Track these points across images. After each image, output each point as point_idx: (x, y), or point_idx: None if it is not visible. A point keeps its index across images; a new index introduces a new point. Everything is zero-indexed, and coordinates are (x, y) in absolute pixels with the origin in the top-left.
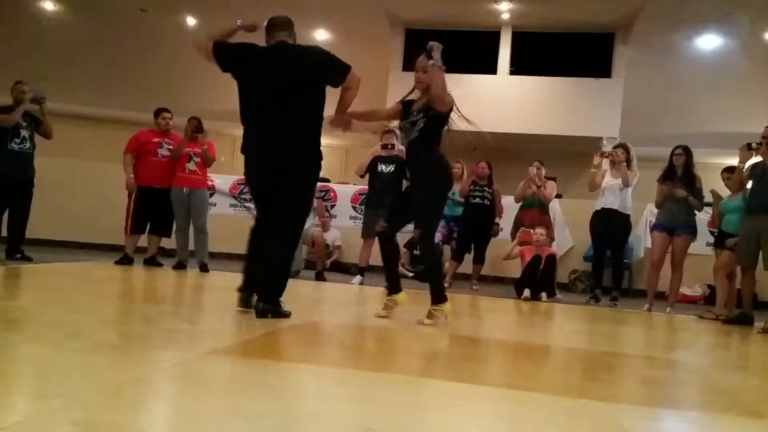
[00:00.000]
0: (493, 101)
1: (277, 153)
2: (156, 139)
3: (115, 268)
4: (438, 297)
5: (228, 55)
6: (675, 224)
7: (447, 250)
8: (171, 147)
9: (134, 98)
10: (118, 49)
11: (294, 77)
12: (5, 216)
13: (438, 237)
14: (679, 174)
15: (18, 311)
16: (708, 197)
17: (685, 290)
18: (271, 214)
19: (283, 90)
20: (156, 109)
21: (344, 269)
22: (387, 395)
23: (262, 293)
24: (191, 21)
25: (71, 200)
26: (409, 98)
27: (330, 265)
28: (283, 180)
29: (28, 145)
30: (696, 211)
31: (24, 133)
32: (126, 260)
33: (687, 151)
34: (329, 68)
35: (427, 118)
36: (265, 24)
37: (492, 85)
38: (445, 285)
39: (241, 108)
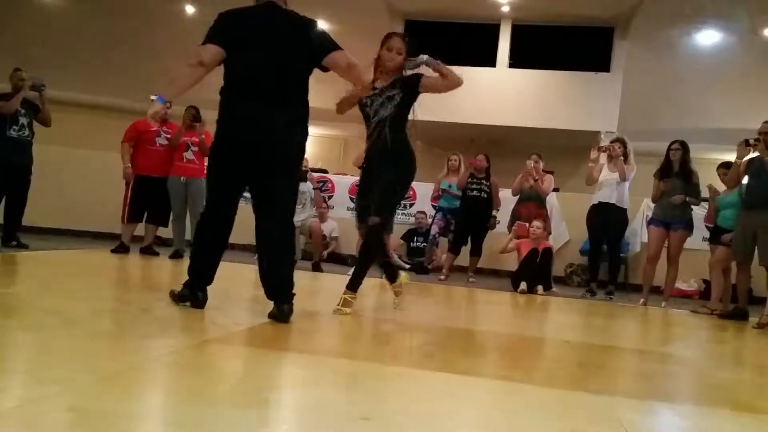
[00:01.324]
0: (492, 94)
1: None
2: (154, 128)
3: (111, 257)
4: (391, 277)
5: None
6: (671, 219)
7: (444, 242)
8: (169, 136)
9: (132, 86)
10: (117, 38)
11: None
12: (2, 203)
13: (435, 229)
14: (676, 169)
15: (14, 298)
16: (705, 192)
17: (680, 285)
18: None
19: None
20: None
21: (341, 260)
22: (382, 385)
23: (283, 294)
24: (190, 9)
25: (68, 188)
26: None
27: (327, 256)
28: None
29: (26, 132)
30: (693, 207)
31: (22, 120)
32: (122, 249)
33: (684, 146)
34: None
35: (405, 94)
36: None
37: (491, 78)
38: (441, 277)
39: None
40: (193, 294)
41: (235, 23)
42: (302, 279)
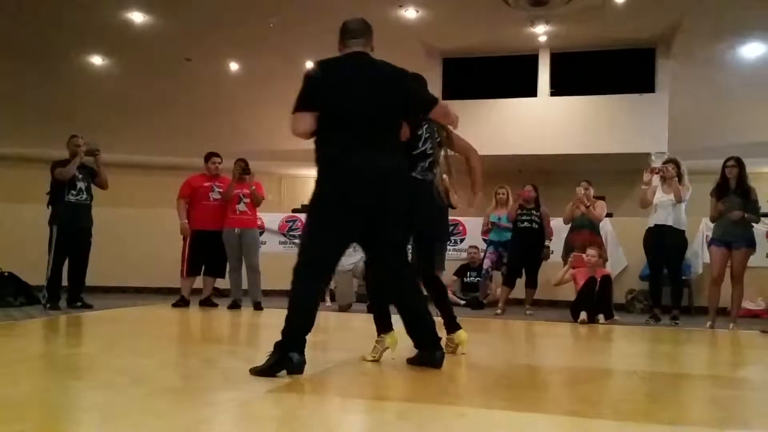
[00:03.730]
0: (536, 123)
1: None
2: (207, 183)
3: (173, 311)
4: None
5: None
6: (732, 238)
7: (497, 276)
8: (221, 190)
9: (183, 144)
10: (165, 98)
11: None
12: (65, 265)
13: (487, 263)
14: (733, 186)
15: (83, 358)
16: (765, 207)
17: (747, 304)
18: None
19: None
20: (206, 153)
21: None
22: (448, 427)
23: (437, 340)
24: (234, 66)
25: (128, 247)
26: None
27: None
28: None
29: (84, 196)
30: (754, 224)
31: (80, 185)
32: (183, 303)
33: (739, 163)
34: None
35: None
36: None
37: (533, 108)
38: (498, 311)
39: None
40: None
41: (336, 74)
42: (358, 321)
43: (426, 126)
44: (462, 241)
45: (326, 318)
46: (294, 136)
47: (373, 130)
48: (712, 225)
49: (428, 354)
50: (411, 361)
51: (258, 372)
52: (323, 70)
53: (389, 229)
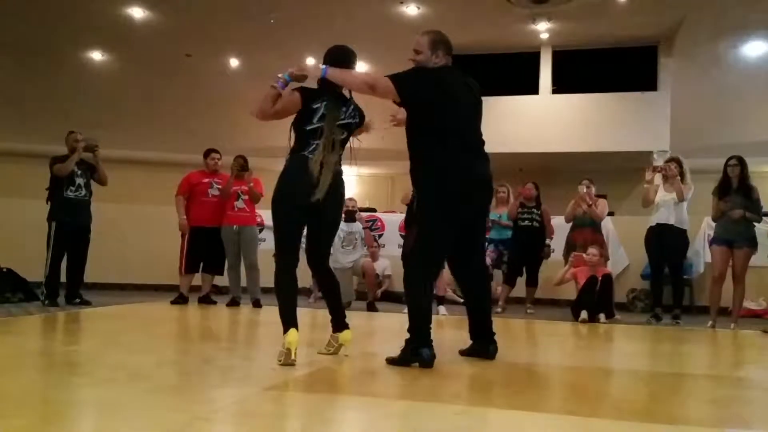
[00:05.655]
0: (537, 121)
1: None
2: (206, 180)
3: (171, 308)
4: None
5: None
6: (734, 237)
7: (498, 274)
8: (220, 187)
9: (182, 141)
10: (165, 94)
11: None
12: (64, 261)
13: (487, 261)
14: (735, 186)
15: (80, 355)
16: (767, 207)
17: (749, 304)
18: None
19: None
20: (205, 150)
21: (395, 298)
22: (445, 426)
23: (492, 334)
24: (234, 62)
25: (127, 243)
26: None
27: (381, 295)
28: None
29: (83, 192)
30: (755, 223)
31: (79, 181)
32: (181, 299)
33: (741, 162)
34: None
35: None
36: (433, 39)
37: (535, 105)
38: (498, 310)
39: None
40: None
41: (438, 80)
42: (358, 319)
43: (324, 102)
44: None
45: (326, 316)
46: (362, 83)
47: (476, 139)
48: (713, 224)
49: (483, 346)
50: (464, 353)
51: (393, 362)
52: (440, 79)
53: (481, 231)
